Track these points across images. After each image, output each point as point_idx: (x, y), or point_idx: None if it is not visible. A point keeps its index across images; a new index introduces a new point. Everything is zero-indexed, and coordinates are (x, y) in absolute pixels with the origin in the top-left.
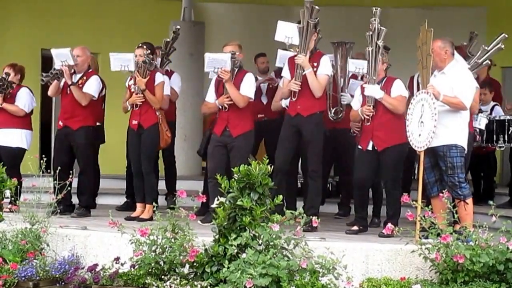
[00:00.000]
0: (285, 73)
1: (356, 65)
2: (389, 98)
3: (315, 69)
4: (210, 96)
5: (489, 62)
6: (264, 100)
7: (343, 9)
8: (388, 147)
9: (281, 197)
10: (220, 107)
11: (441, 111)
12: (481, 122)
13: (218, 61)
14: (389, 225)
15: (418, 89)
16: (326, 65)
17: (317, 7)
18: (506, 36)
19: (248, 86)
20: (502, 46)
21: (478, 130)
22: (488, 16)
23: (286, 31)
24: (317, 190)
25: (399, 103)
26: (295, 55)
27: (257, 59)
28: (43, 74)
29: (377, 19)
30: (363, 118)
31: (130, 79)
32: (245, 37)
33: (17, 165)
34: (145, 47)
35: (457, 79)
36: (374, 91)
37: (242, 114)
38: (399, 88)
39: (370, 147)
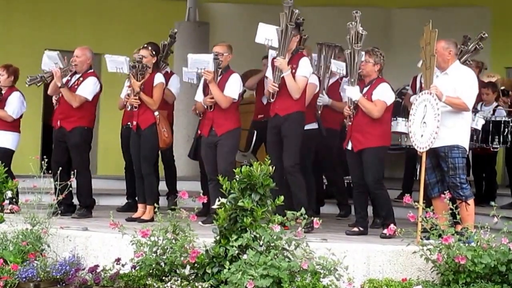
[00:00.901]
0: (269, 73)
1: (337, 66)
2: (365, 101)
3: (293, 70)
4: (199, 96)
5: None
6: (264, 100)
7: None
8: (364, 149)
9: (282, 198)
10: (206, 107)
11: (443, 112)
12: (478, 123)
13: (200, 62)
14: (392, 226)
15: (421, 90)
16: (305, 66)
17: (297, 10)
18: (486, 35)
19: (232, 87)
20: (482, 46)
21: (474, 130)
22: (493, 16)
23: (266, 34)
24: (298, 185)
25: (374, 108)
26: (275, 57)
27: (266, 60)
28: (29, 76)
29: (357, 23)
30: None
31: (129, 80)
32: (249, 38)
33: (7, 166)
34: (150, 48)
35: (460, 79)
36: (352, 92)
37: (226, 113)
38: (381, 92)
39: (349, 147)
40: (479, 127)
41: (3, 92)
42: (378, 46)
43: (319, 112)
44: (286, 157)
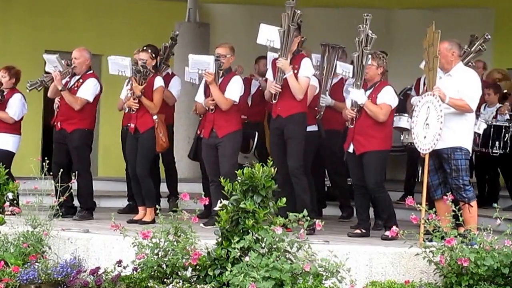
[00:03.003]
0: (269, 75)
1: (343, 68)
2: (370, 105)
3: (296, 71)
4: (199, 97)
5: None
6: (249, 101)
7: (352, 10)
8: (366, 152)
9: (284, 199)
10: (207, 108)
11: (446, 114)
12: (480, 127)
13: (201, 63)
14: (394, 228)
15: (424, 91)
16: (307, 67)
17: (298, 11)
18: (489, 37)
19: (233, 89)
20: (485, 47)
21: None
22: (496, 17)
23: (268, 34)
24: (303, 188)
25: (380, 111)
26: (277, 58)
27: (259, 61)
28: (29, 81)
29: (367, 26)
30: (347, 120)
31: (128, 81)
32: (250, 38)
33: (7, 168)
34: (149, 51)
35: (463, 81)
36: (358, 95)
37: (227, 115)
38: (386, 96)
39: (351, 150)
40: (481, 131)
41: (5, 93)
42: (380, 47)
43: (322, 113)
44: (291, 159)
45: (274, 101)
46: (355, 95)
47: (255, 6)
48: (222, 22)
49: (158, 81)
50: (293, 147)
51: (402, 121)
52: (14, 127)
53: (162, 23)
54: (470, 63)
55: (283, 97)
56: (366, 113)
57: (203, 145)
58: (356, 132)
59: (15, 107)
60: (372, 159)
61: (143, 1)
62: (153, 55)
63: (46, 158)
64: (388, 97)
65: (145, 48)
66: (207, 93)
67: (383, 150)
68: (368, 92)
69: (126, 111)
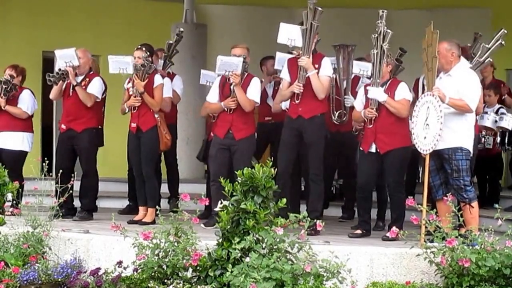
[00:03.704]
0: (285, 75)
1: (360, 67)
2: (392, 101)
3: (316, 70)
4: (213, 97)
5: (491, 61)
6: (271, 102)
7: (348, 11)
8: (391, 150)
9: (285, 200)
10: (226, 109)
11: (446, 114)
12: (510, 123)
13: (230, 65)
14: (394, 228)
15: (423, 92)
16: (327, 66)
17: (320, 8)
18: (506, 31)
19: (255, 91)
20: (503, 42)
21: (500, 130)
22: (493, 17)
23: (289, 33)
24: (319, 193)
25: (403, 107)
26: (297, 57)
27: (266, 62)
28: (50, 74)
29: (383, 22)
30: (366, 120)
31: (128, 81)
32: (247, 39)
33: (19, 168)
34: (144, 49)
35: (463, 81)
36: (378, 94)
37: (246, 117)
38: (403, 91)
39: (373, 150)
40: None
41: (17, 89)
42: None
43: (347, 114)
44: (312, 165)
45: (296, 101)
46: (375, 94)
47: (252, 7)
48: (219, 23)
49: (158, 79)
50: (314, 152)
51: None
52: (27, 125)
53: (159, 24)
54: (488, 60)
55: (305, 97)
56: (386, 111)
57: (215, 143)
58: (378, 131)
59: (27, 102)
60: (396, 156)
61: (141, 2)
62: (148, 53)
63: (46, 158)
64: (407, 92)
65: (139, 46)
66: (224, 94)
67: (406, 147)
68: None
69: (127, 111)
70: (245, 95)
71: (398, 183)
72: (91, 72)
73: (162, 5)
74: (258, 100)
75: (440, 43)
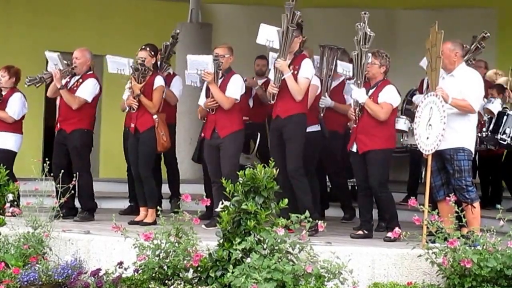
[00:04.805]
0: (271, 75)
1: (343, 67)
2: (371, 103)
3: (295, 72)
4: (202, 100)
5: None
6: (251, 103)
7: (351, 10)
8: (369, 151)
9: (286, 200)
10: (208, 110)
11: (449, 114)
12: (495, 105)
13: (199, 63)
14: (397, 229)
15: (427, 92)
16: (307, 68)
17: (298, 12)
18: (488, 34)
19: (233, 87)
20: (483, 45)
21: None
22: (498, 17)
23: (268, 35)
24: (303, 189)
25: (380, 111)
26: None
27: (255, 61)
28: (28, 77)
29: (365, 24)
30: (351, 119)
31: (130, 82)
32: (253, 39)
33: (9, 168)
34: (148, 49)
35: (466, 81)
36: (359, 94)
37: (229, 115)
38: (387, 94)
39: (354, 149)
40: (496, 111)
41: (3, 93)
42: (382, 47)
43: (322, 114)
44: (289, 161)
45: (272, 102)
46: (356, 94)
47: (258, 6)
48: (225, 22)
49: (158, 81)
50: (291, 148)
51: (399, 124)
52: (15, 126)
53: (164, 24)
54: (469, 61)
55: (282, 98)
56: (369, 112)
57: (205, 145)
58: (359, 131)
59: (14, 107)
60: (375, 158)
61: (145, 1)
62: (152, 53)
63: (46, 159)
64: (389, 96)
65: (143, 46)
66: (208, 95)
67: (386, 149)
68: (371, 91)
69: (127, 110)
70: (221, 93)
71: (381, 184)
72: (88, 73)
73: (167, 4)
74: (237, 96)
75: (444, 43)
